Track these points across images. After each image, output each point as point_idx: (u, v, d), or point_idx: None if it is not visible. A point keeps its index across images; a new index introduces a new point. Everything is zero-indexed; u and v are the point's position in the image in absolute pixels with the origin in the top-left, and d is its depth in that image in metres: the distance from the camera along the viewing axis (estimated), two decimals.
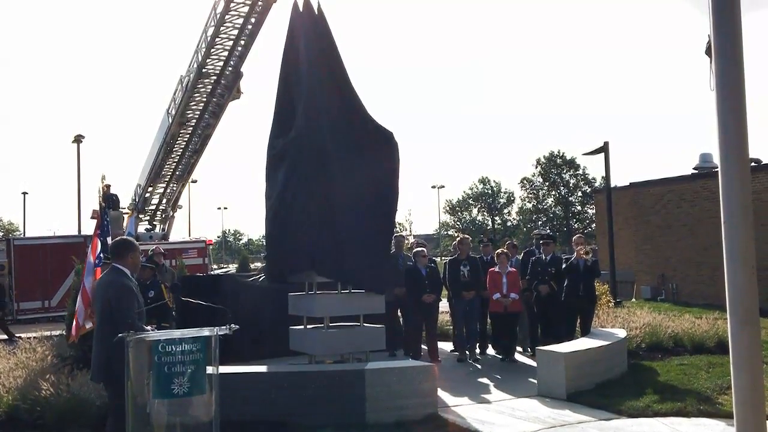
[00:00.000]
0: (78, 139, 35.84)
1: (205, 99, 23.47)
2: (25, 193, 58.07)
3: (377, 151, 8.84)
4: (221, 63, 22.26)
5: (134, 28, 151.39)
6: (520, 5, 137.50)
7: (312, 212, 8.39)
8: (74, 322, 8.67)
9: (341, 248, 8.35)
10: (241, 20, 20.92)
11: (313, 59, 8.76)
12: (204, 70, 22.42)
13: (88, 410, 6.94)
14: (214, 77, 22.71)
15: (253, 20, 20.90)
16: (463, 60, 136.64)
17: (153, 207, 27.07)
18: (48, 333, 10.98)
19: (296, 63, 8.95)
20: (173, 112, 23.90)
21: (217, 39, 21.51)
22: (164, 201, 27.12)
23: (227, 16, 20.85)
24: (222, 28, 21.18)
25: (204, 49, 21.96)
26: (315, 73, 8.73)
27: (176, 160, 25.76)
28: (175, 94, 24.01)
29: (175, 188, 26.95)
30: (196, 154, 25.68)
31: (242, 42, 21.65)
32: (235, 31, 21.30)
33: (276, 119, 9.10)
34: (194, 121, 24.25)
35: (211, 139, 25.25)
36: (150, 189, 26.31)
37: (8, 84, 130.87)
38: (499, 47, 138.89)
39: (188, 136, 24.80)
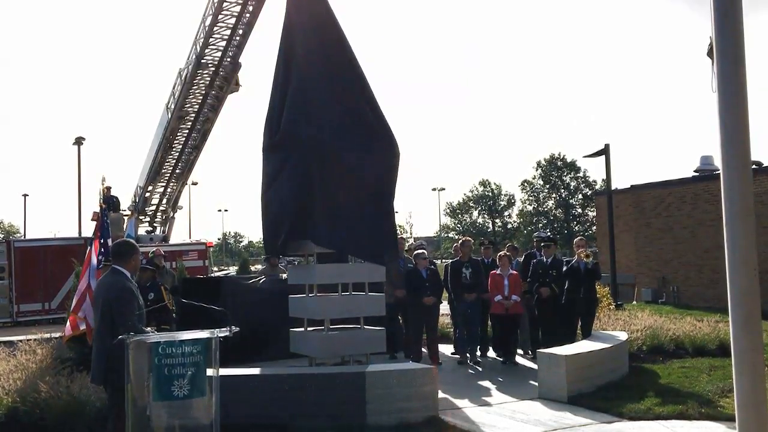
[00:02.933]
0: (79, 141, 35.89)
1: (203, 91, 23.45)
2: (25, 195, 58.39)
3: (374, 141, 8.80)
4: (219, 53, 22.27)
5: (135, 30, 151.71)
6: (520, 8, 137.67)
7: (309, 188, 8.42)
8: (68, 323, 8.64)
9: (337, 219, 8.38)
10: (238, 8, 20.98)
11: (310, 47, 8.71)
12: (202, 61, 22.42)
13: (87, 412, 6.93)
14: (213, 68, 22.71)
15: (250, 8, 20.97)
16: (464, 62, 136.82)
17: (153, 208, 27.02)
18: (48, 335, 10.95)
19: (293, 51, 8.90)
20: (172, 107, 23.89)
21: (215, 28, 21.54)
22: (164, 201, 27.05)
23: (225, 4, 20.91)
24: (219, 17, 21.23)
25: (202, 40, 21.99)
26: (310, 62, 8.68)
27: (176, 157, 25.69)
28: (174, 87, 24.02)
29: (174, 187, 26.89)
30: (195, 150, 25.65)
31: (240, 31, 21.69)
32: (233, 20, 21.34)
33: (272, 105, 9.07)
34: (193, 114, 24.21)
35: (210, 135, 25.24)
36: (150, 188, 26.25)
37: (8, 84, 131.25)
38: (500, 50, 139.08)
39: (187, 131, 24.76)
